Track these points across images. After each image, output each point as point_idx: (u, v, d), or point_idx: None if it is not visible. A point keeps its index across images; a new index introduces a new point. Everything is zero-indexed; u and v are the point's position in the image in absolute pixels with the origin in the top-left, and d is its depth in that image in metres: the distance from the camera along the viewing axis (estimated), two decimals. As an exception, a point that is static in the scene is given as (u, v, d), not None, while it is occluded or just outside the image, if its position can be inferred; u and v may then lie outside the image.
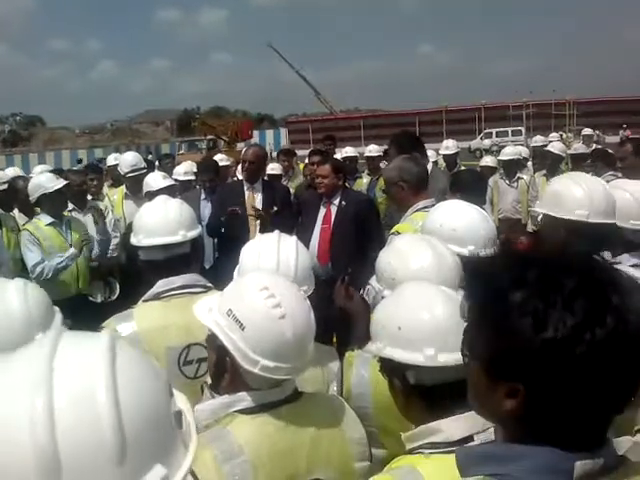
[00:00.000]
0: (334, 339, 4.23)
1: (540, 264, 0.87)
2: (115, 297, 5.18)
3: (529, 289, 0.84)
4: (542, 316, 0.81)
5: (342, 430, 1.58)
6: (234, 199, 5.16)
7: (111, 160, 7.66)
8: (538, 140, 10.35)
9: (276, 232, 2.19)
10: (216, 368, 1.54)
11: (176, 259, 2.36)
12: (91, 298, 4.93)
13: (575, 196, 2.33)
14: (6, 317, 1.79)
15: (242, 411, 1.47)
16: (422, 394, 1.38)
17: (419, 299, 1.49)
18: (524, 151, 7.85)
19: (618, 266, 2.10)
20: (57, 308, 2.04)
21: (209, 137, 32.82)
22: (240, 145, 29.20)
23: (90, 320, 2.24)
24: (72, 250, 4.54)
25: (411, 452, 1.28)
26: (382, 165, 7.14)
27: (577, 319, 0.79)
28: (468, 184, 4.22)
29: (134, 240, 2.40)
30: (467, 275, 0.94)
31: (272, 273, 1.68)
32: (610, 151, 6.53)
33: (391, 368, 1.46)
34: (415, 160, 3.69)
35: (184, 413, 0.84)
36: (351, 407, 1.86)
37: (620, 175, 4.72)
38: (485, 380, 0.89)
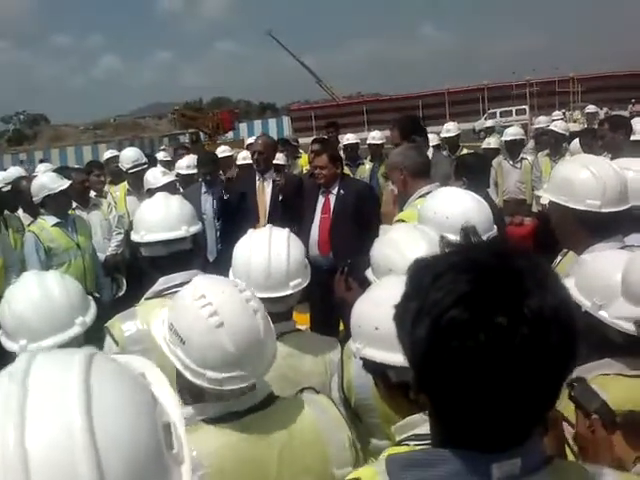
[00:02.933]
0: (341, 326, 4.25)
1: (442, 267, 0.83)
2: (122, 293, 5.21)
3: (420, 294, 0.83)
4: (416, 317, 0.81)
5: (321, 435, 1.52)
6: (247, 191, 5.30)
7: (107, 154, 7.65)
8: (541, 121, 10.26)
9: (268, 226, 2.18)
10: (178, 380, 1.48)
11: (178, 255, 2.35)
12: (97, 295, 4.96)
13: (586, 184, 2.17)
14: (50, 303, 1.99)
15: (206, 420, 1.43)
16: (405, 391, 1.34)
17: (396, 298, 1.45)
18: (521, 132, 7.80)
19: (630, 248, 2.06)
20: (91, 297, 2.22)
21: (191, 130, 31.31)
22: (226, 136, 28.81)
23: (98, 318, 2.23)
24: None
25: (399, 444, 1.28)
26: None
27: (456, 321, 0.77)
28: (473, 168, 4.22)
29: (136, 237, 2.38)
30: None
31: (213, 279, 1.57)
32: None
33: (372, 367, 1.46)
34: (420, 150, 3.77)
35: (173, 425, 0.79)
36: (354, 400, 1.85)
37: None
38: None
